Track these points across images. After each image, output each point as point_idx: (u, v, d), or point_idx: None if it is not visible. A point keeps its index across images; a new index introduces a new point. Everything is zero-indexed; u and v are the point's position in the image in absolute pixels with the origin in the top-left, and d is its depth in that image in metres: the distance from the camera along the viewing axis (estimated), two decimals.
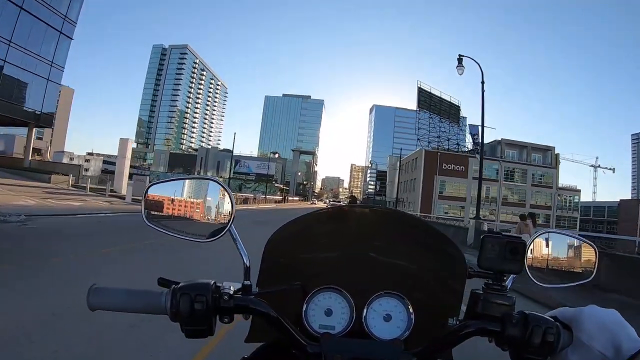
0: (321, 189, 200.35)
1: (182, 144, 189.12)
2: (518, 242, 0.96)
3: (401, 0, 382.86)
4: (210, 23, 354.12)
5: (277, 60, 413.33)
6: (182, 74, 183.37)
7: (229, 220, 1.00)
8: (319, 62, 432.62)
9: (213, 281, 0.91)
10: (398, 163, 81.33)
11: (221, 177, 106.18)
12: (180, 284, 0.89)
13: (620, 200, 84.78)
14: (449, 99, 75.08)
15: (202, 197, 1.04)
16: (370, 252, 1.16)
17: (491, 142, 74.07)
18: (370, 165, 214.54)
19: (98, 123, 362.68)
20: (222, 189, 1.04)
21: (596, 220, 77.72)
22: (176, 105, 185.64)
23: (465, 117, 74.71)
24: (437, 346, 0.95)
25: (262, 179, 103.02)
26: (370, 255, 1.16)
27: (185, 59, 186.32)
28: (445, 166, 66.97)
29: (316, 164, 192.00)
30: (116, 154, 38.88)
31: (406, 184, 75.95)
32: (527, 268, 1.01)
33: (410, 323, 1.01)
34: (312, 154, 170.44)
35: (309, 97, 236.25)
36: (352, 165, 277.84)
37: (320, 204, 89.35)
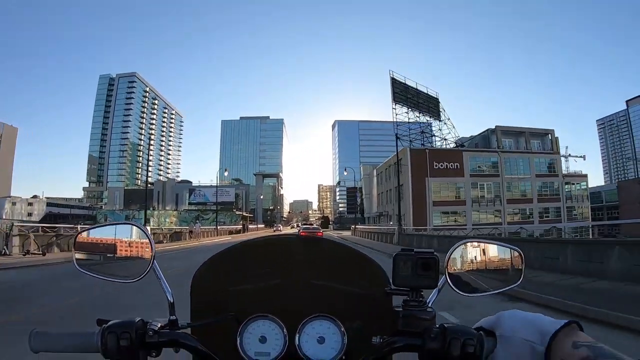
0: (289, 212, 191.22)
1: (137, 178, 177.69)
2: (429, 257, 1.01)
3: (348, 8, 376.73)
4: (159, 51, 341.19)
5: (232, 85, 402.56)
6: (132, 103, 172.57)
7: (151, 261, 1.09)
8: (274, 84, 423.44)
9: (139, 318, 0.96)
10: (374, 172, 72.70)
11: (180, 210, 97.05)
12: (108, 323, 0.94)
13: (619, 182, 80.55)
14: (425, 91, 66.39)
15: (126, 241, 1.13)
16: (302, 278, 1.22)
17: (483, 132, 65.94)
18: (337, 184, 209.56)
19: (48, 163, 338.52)
20: (142, 232, 1.13)
21: (594, 208, 72.43)
22: (127, 138, 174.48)
23: (444, 111, 66.23)
24: None
25: (224, 208, 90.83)
26: (302, 280, 1.22)
27: (134, 87, 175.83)
28: (436, 165, 57.03)
29: (282, 187, 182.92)
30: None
31: (388, 194, 65.92)
32: (448, 280, 1.05)
33: (344, 344, 1.05)
34: (276, 176, 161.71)
35: (268, 117, 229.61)
36: (319, 185, 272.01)
37: (287, 230, 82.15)
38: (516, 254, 1.12)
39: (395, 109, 62.30)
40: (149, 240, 1.11)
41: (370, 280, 1.20)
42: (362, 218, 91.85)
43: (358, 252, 1.24)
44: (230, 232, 67.38)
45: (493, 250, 1.13)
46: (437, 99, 67.66)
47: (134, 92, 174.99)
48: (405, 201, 54.35)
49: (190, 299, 1.17)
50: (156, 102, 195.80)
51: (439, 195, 57.18)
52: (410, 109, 63.20)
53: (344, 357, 1.03)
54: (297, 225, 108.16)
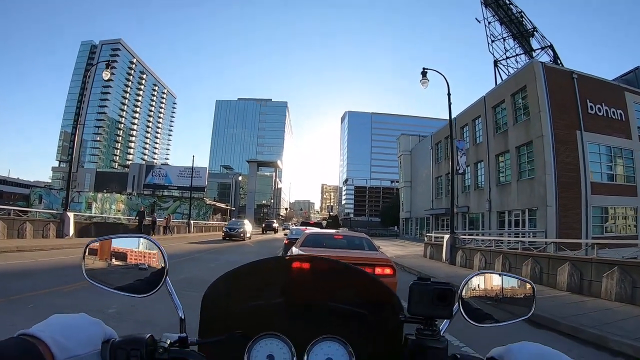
0: (288, 210, 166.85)
1: (115, 161, 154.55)
2: (445, 288, 1.04)
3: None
4: (154, 23, 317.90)
5: (231, 67, 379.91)
6: (114, 73, 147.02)
7: (164, 275, 1.09)
8: (278, 71, 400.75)
9: (149, 335, 0.96)
10: (431, 141, 47.46)
11: (129, 194, 70.73)
12: (117, 339, 0.94)
13: None
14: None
15: (138, 253, 1.14)
16: (311, 298, 1.24)
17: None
18: (345, 182, 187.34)
19: (20, 139, 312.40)
20: (154, 245, 1.14)
21: None
22: (105, 113, 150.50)
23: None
24: None
25: (194, 196, 61.93)
26: (311, 301, 1.23)
27: (118, 55, 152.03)
28: (592, 108, 29.01)
29: (280, 181, 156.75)
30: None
31: (478, 170, 37.93)
32: (462, 310, 1.09)
33: None
34: (274, 165, 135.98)
35: (270, 100, 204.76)
36: (323, 185, 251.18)
37: (281, 234, 53.38)
38: (528, 286, 1.18)
39: (486, 18, 37.30)
40: (162, 254, 1.11)
41: (382, 306, 1.22)
42: (387, 221, 65.44)
43: (371, 276, 1.26)
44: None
45: (506, 282, 1.18)
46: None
47: (116, 62, 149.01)
48: (539, 183, 28.04)
49: (200, 316, 1.18)
50: (144, 76, 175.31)
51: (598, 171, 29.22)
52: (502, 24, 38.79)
53: None
54: (291, 226, 71.73)
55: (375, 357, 1.11)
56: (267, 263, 1.29)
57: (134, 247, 1.14)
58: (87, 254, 1.12)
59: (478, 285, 1.15)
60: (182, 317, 1.07)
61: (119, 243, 1.15)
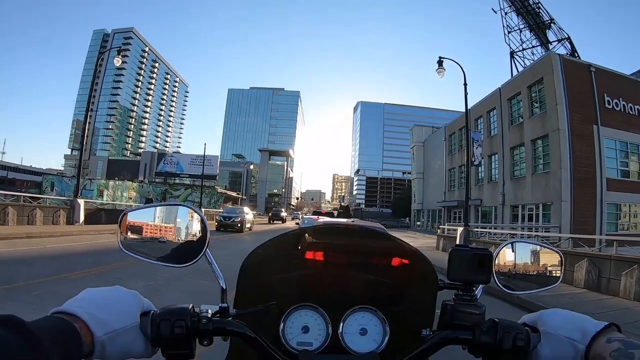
0: (299, 199, 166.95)
1: (127, 149, 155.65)
2: (485, 253, 1.05)
3: None
4: (170, 14, 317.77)
5: (246, 56, 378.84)
6: (126, 62, 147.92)
7: (204, 245, 1.05)
8: (291, 60, 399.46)
9: (191, 305, 0.95)
10: (445, 132, 46.95)
11: (141, 182, 72.22)
12: (159, 310, 0.93)
13: None
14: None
15: (175, 223, 1.10)
16: (345, 268, 1.24)
17: None
18: (356, 173, 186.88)
19: (34, 127, 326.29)
20: (194, 213, 1.09)
21: None
22: (117, 101, 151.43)
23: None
24: (412, 357, 1.00)
25: (205, 185, 61.39)
26: (345, 271, 1.24)
27: (130, 44, 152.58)
28: (610, 102, 28.27)
29: (292, 170, 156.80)
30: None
31: (493, 162, 37.27)
32: (495, 277, 1.11)
33: (386, 336, 1.07)
34: (286, 155, 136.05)
35: (282, 89, 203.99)
36: (334, 175, 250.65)
37: (290, 224, 49.10)
38: (557, 255, 1.19)
39: (502, 9, 36.95)
40: (203, 223, 1.07)
41: (418, 273, 1.22)
42: (399, 212, 65.01)
43: (405, 245, 1.24)
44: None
45: (536, 251, 1.19)
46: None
47: (129, 50, 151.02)
48: (554, 177, 27.56)
49: (237, 285, 1.16)
50: (157, 65, 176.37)
51: (614, 167, 28.65)
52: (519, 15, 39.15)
53: (385, 349, 1.06)
54: (301, 215, 69.06)
55: (410, 325, 1.11)
56: (302, 233, 1.28)
57: (172, 216, 1.10)
58: (122, 224, 1.08)
59: (509, 253, 1.16)
60: (224, 287, 1.04)
61: (157, 212, 1.11)
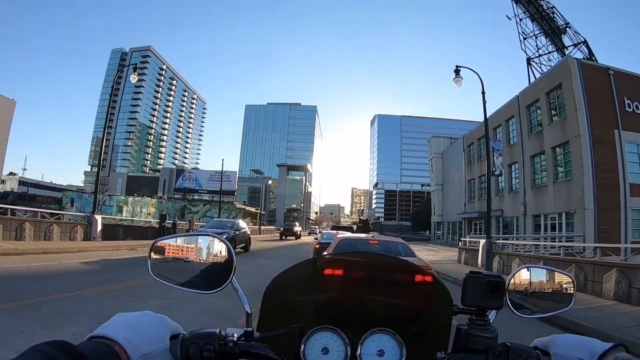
0: (318, 214, 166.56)
1: (145, 165, 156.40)
2: (497, 280, 1.11)
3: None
4: (184, 31, 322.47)
5: (263, 72, 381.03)
6: (144, 79, 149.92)
7: (231, 272, 1.11)
8: (308, 75, 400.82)
9: (218, 329, 1.00)
10: (463, 142, 46.11)
11: (160, 198, 73.36)
12: (188, 334, 0.97)
13: None
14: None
15: (204, 251, 1.17)
16: (364, 292, 1.27)
17: None
18: (375, 186, 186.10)
19: (54, 144, 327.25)
20: (222, 243, 1.16)
21: None
22: (136, 118, 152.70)
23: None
24: None
25: (223, 200, 61.46)
26: (364, 295, 1.27)
27: (148, 62, 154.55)
28: (630, 105, 27.69)
29: (310, 184, 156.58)
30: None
31: (513, 172, 36.58)
32: (508, 302, 1.16)
33: (402, 358, 1.10)
34: (304, 169, 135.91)
35: (299, 104, 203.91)
36: (353, 189, 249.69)
37: (306, 239, 44.89)
38: (568, 279, 1.24)
39: (517, 15, 36.67)
40: (230, 252, 1.14)
41: (433, 298, 1.27)
42: (418, 225, 64.18)
43: (422, 270, 1.33)
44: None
45: (549, 276, 1.24)
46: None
47: (147, 68, 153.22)
48: (576, 184, 26.81)
49: (261, 308, 1.20)
50: (174, 82, 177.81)
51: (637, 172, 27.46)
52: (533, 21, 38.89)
53: None
54: (321, 230, 58.73)
55: (425, 347, 1.14)
56: (322, 260, 1.35)
57: (200, 245, 1.16)
58: (153, 251, 1.15)
59: (522, 278, 1.20)
60: (249, 312, 1.10)
61: (185, 242, 1.18)
